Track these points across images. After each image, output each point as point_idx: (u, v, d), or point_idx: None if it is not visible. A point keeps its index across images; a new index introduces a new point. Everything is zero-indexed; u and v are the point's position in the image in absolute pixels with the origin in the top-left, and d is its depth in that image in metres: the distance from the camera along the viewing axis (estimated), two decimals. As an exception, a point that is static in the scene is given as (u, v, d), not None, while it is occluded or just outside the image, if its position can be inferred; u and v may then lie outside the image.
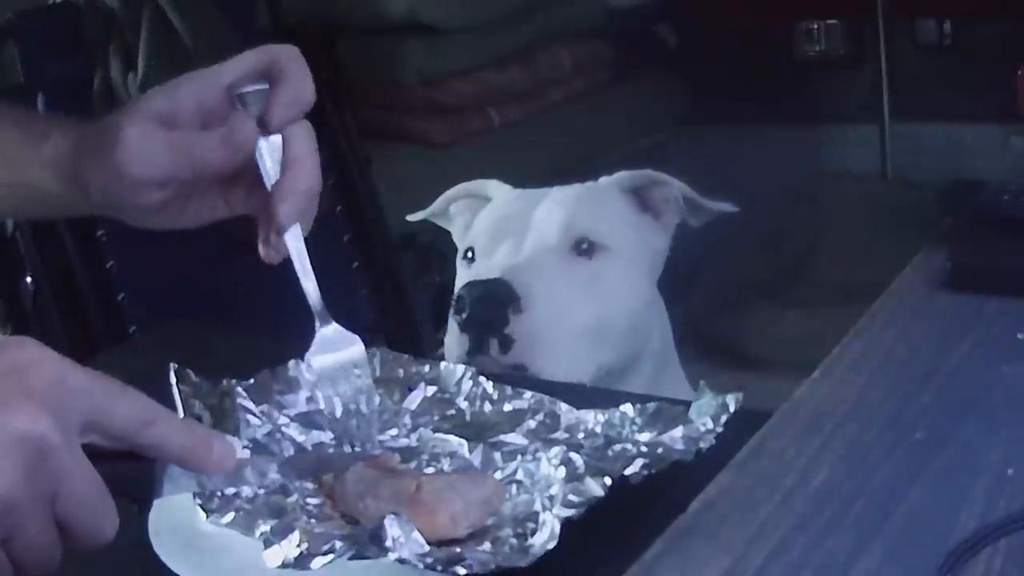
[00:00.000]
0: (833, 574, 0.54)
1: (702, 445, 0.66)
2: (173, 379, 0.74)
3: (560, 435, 0.73)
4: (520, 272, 1.02)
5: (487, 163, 2.16)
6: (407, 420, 0.77)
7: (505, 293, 0.99)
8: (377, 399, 0.76)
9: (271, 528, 0.61)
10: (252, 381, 0.77)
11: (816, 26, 2.67)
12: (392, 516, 0.58)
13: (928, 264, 0.91)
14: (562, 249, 1.06)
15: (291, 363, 0.77)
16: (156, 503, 0.68)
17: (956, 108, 2.44)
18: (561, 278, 1.04)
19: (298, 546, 0.58)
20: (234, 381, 0.76)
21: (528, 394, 0.77)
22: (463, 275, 1.12)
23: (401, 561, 0.57)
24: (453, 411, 0.78)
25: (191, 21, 1.73)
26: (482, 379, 0.79)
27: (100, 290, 1.68)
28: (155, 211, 0.72)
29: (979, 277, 0.86)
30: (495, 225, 1.11)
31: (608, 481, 0.62)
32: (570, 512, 0.61)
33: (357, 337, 0.72)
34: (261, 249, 0.71)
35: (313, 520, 0.65)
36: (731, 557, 0.56)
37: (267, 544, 0.59)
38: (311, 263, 0.70)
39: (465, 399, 0.78)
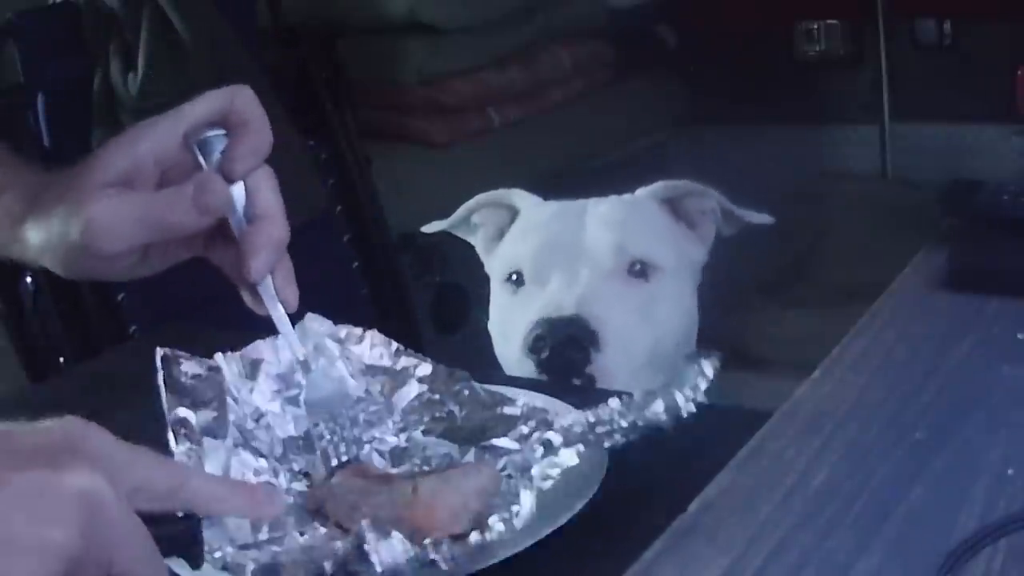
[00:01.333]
0: (833, 574, 0.54)
1: (683, 414, 0.65)
2: (160, 379, 0.72)
3: None
4: (591, 304, 1.00)
5: (487, 163, 2.17)
6: (397, 418, 0.77)
7: (586, 333, 0.97)
8: (363, 390, 0.77)
9: (261, 566, 0.61)
10: (241, 355, 0.76)
11: (816, 26, 2.67)
12: (369, 526, 0.58)
13: (928, 264, 0.91)
14: (619, 273, 1.05)
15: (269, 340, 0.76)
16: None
17: (956, 108, 2.44)
18: (624, 304, 1.02)
19: None
20: (221, 357, 0.75)
21: (520, 401, 0.77)
22: (508, 299, 1.10)
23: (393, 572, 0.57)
24: (443, 414, 0.77)
25: (191, 21, 1.73)
26: (474, 383, 0.79)
27: (100, 290, 1.68)
28: (113, 272, 0.70)
29: (979, 277, 0.86)
30: (542, 249, 1.08)
31: (581, 448, 0.62)
32: (547, 483, 0.61)
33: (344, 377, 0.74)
34: (246, 298, 0.70)
35: (305, 536, 0.65)
36: (731, 557, 0.56)
37: None
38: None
39: (456, 402, 0.78)
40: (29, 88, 1.69)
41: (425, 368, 0.80)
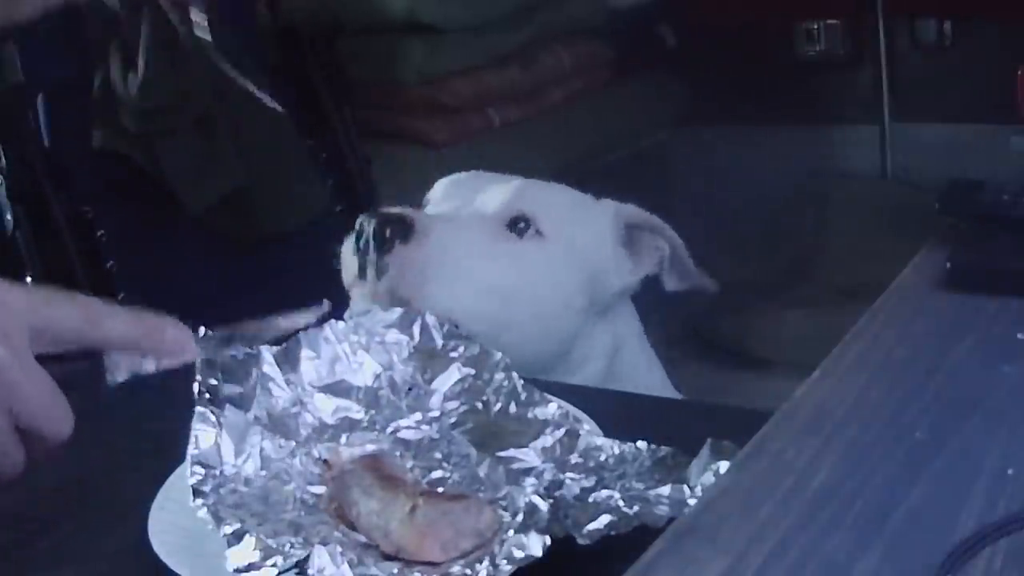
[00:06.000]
0: (833, 574, 0.54)
1: (684, 511, 0.64)
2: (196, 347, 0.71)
3: (574, 458, 0.72)
4: (432, 219, 1.01)
5: (487, 163, 2.16)
6: (434, 402, 0.76)
7: (398, 224, 0.98)
8: (410, 371, 0.76)
9: (234, 531, 0.61)
10: (283, 347, 0.75)
11: (816, 26, 2.67)
12: (320, 547, 0.59)
13: (928, 264, 0.91)
14: (496, 221, 1.04)
15: (326, 326, 0.76)
16: (155, 504, 0.68)
17: (956, 108, 2.44)
18: (478, 241, 1.01)
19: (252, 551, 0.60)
20: (264, 347, 0.74)
21: (554, 405, 0.76)
22: None
23: None
24: (480, 403, 0.76)
25: (191, 21, 1.73)
26: (514, 375, 0.77)
27: (100, 290, 1.68)
28: None
29: (979, 277, 0.86)
30: (449, 186, 1.10)
31: (548, 541, 0.61)
32: (508, 569, 0.60)
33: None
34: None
35: (300, 513, 0.65)
36: (731, 557, 0.55)
37: (229, 544, 0.60)
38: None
39: (494, 392, 0.77)
40: (29, 88, 1.69)
41: (470, 349, 0.78)
